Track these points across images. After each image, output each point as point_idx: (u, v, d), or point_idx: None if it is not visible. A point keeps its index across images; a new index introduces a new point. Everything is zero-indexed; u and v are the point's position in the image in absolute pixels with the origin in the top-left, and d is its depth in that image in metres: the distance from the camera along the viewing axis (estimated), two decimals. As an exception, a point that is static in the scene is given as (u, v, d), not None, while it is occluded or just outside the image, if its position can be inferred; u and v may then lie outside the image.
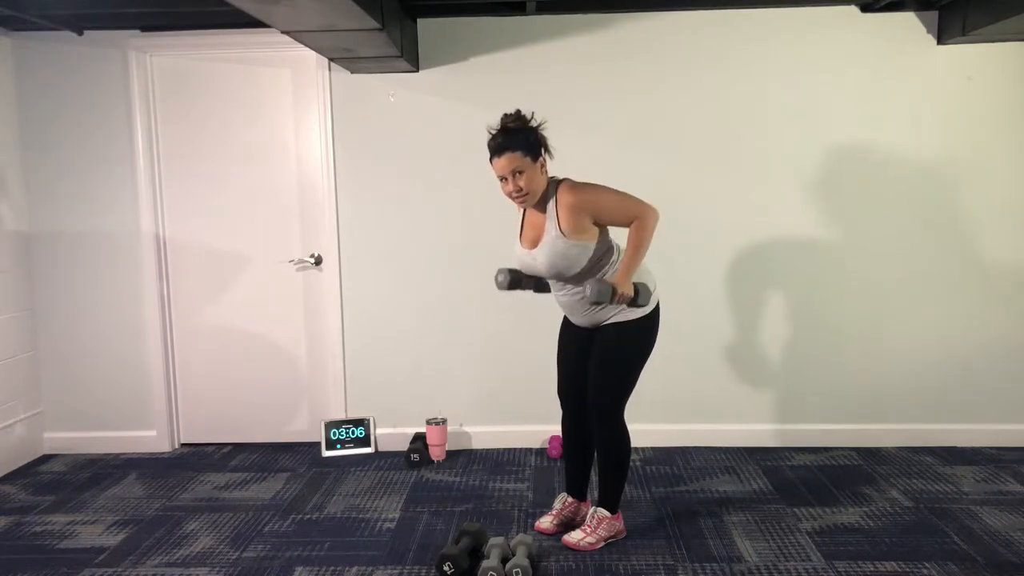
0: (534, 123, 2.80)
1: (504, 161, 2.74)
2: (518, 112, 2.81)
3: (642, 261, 2.80)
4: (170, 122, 4.05)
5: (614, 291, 2.70)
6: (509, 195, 2.81)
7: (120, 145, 4.01)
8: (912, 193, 3.89)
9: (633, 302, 2.76)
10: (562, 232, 2.77)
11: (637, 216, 2.77)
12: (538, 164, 2.77)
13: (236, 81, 4.01)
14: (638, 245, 2.76)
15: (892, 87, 3.83)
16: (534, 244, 2.86)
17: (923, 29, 3.80)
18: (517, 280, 2.97)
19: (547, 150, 2.82)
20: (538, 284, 3.04)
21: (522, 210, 2.94)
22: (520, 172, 2.74)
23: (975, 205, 3.88)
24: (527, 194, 2.78)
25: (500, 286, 2.95)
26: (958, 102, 3.83)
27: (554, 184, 2.84)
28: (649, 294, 2.78)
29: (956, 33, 3.64)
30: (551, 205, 2.81)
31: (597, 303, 2.77)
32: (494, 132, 2.79)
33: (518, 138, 2.74)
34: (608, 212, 2.79)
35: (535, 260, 2.86)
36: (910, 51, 3.81)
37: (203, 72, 4.02)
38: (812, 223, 3.93)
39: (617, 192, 2.82)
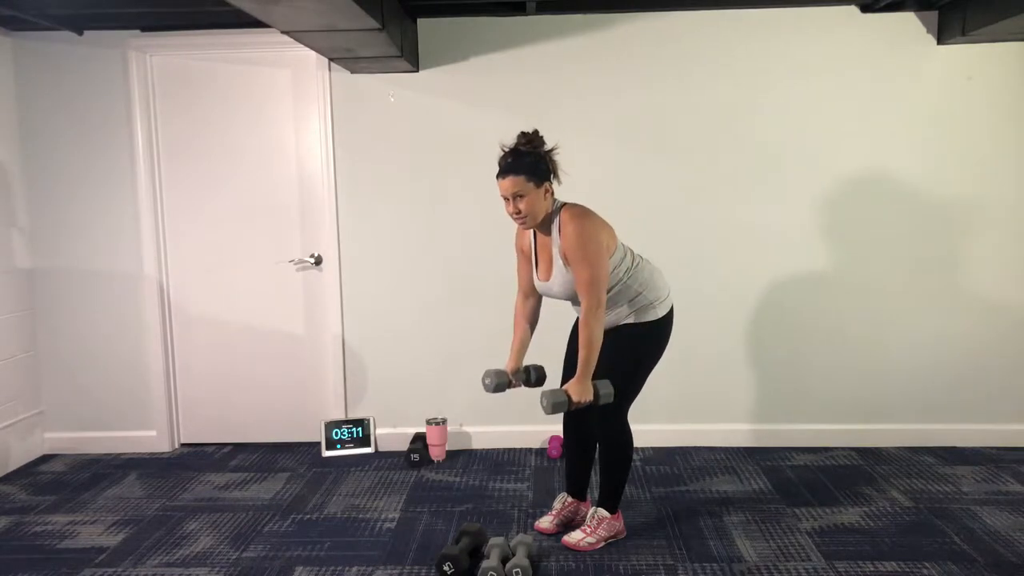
0: (547, 147, 2.79)
1: (508, 183, 2.74)
2: (534, 133, 2.79)
3: (596, 354, 2.72)
4: (170, 122, 4.05)
5: (569, 400, 2.67)
6: (510, 215, 2.83)
7: (120, 145, 4.01)
8: (912, 193, 3.89)
9: (595, 403, 2.72)
10: (566, 260, 2.79)
11: (589, 298, 2.71)
12: (542, 190, 2.76)
13: (236, 81, 4.01)
14: (589, 345, 2.71)
15: (892, 87, 3.83)
16: (548, 273, 2.87)
17: (923, 29, 3.80)
18: (504, 383, 2.95)
19: (555, 175, 2.81)
20: (528, 380, 3.02)
21: (531, 233, 2.93)
22: (521, 196, 2.74)
23: (975, 205, 3.88)
24: (526, 217, 2.78)
25: (487, 389, 2.94)
26: (958, 102, 3.83)
27: (558, 208, 2.84)
28: (611, 392, 2.71)
29: (956, 33, 3.64)
30: (555, 231, 2.81)
31: (553, 413, 2.71)
32: (506, 150, 2.79)
33: (525, 162, 2.74)
34: (579, 267, 2.73)
35: (551, 290, 2.89)
36: (910, 51, 3.81)
37: (203, 72, 4.02)
38: (811, 223, 3.93)
39: (601, 260, 2.73)
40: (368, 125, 3.95)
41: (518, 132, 2.81)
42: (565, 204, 2.85)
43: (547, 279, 2.89)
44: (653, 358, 2.95)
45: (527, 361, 3.06)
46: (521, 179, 2.73)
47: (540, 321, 3.10)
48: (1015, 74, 3.80)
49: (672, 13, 3.82)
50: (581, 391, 2.70)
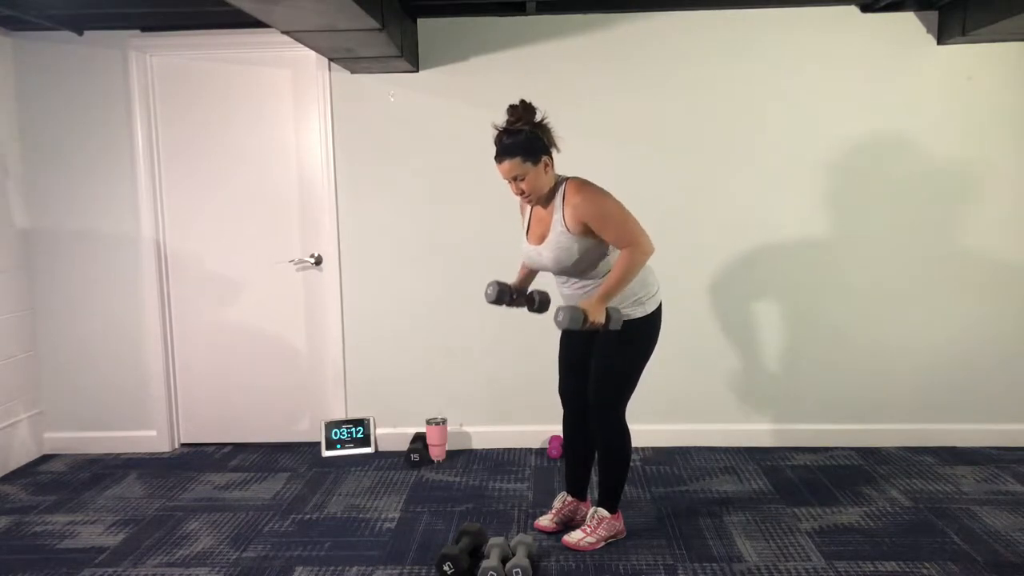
0: (538, 118, 2.79)
1: (505, 166, 2.77)
2: (522, 105, 2.78)
3: (623, 290, 2.75)
4: (170, 122, 4.05)
5: (585, 317, 2.67)
6: (515, 194, 2.85)
7: (120, 145, 4.01)
8: (912, 193, 3.89)
9: (605, 327, 2.72)
10: (567, 228, 2.78)
11: (632, 243, 2.73)
12: (540, 166, 2.77)
13: (236, 81, 4.01)
14: (623, 275, 2.72)
15: (892, 87, 3.83)
16: (540, 239, 2.87)
17: (923, 29, 3.80)
18: (506, 294, 2.95)
19: (552, 145, 2.81)
20: (531, 303, 3.01)
21: (529, 206, 2.94)
22: (521, 176, 2.76)
23: (975, 205, 3.88)
24: (530, 196, 2.81)
25: (488, 299, 2.95)
26: (958, 102, 3.83)
27: (562, 180, 2.85)
28: (621, 319, 2.72)
29: (956, 33, 3.64)
30: (558, 201, 2.82)
31: (568, 330, 2.70)
32: (499, 129, 2.79)
33: (517, 142, 2.74)
34: (604, 226, 2.75)
35: (541, 256, 2.87)
36: (910, 51, 3.81)
37: (203, 72, 4.02)
38: (812, 223, 3.93)
39: (622, 210, 2.77)
40: (368, 125, 3.95)
41: (508, 106, 2.80)
42: (568, 178, 2.86)
43: (537, 244, 2.88)
44: (646, 354, 2.95)
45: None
46: (517, 160, 2.74)
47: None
48: (1015, 74, 3.80)
49: (672, 13, 3.82)
50: (596, 312, 2.68)
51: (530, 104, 2.80)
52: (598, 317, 2.68)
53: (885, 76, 3.82)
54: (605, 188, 2.83)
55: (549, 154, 2.80)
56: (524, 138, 2.74)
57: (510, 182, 2.80)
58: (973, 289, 3.93)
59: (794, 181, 3.90)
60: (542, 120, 2.80)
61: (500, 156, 2.77)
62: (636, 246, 2.73)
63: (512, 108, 2.79)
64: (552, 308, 2.91)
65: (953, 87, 3.82)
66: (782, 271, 3.97)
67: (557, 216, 2.81)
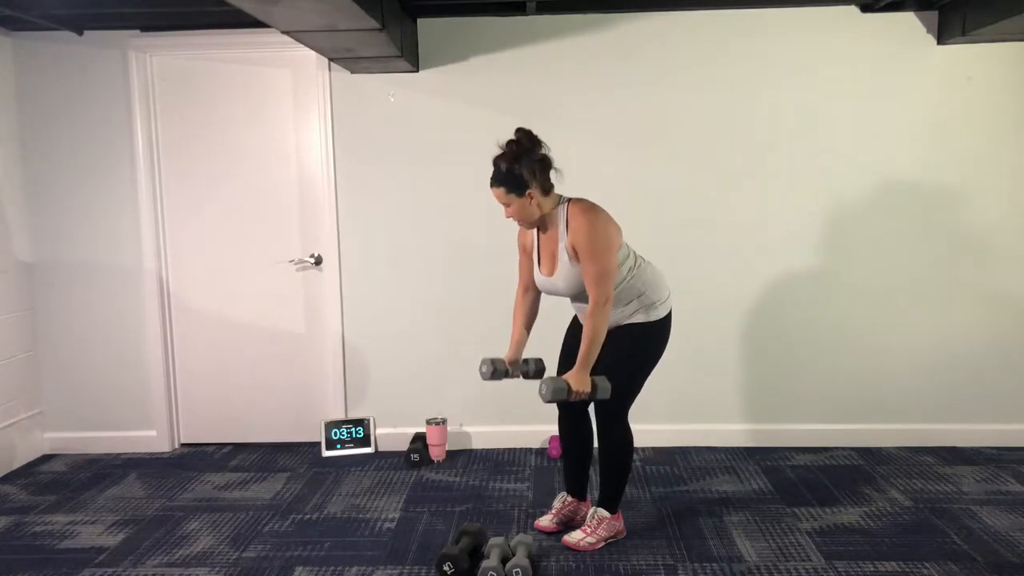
0: (539, 151, 2.76)
1: (494, 192, 2.81)
2: (523, 133, 2.78)
3: (599, 347, 2.74)
4: (170, 122, 4.05)
5: (569, 389, 2.69)
6: (506, 217, 2.88)
7: (120, 145, 4.01)
8: (912, 194, 3.89)
9: (592, 396, 2.73)
10: (572, 257, 2.79)
11: (597, 291, 2.72)
12: (525, 198, 2.76)
13: (236, 81, 4.01)
14: (592, 338, 2.73)
15: (892, 87, 3.83)
16: (552, 269, 2.88)
17: (923, 29, 3.80)
18: (501, 371, 2.95)
19: (543, 174, 2.78)
20: (527, 374, 3.00)
21: (535, 230, 2.93)
22: (508, 204, 2.79)
23: (975, 206, 3.88)
24: (519, 222, 2.85)
25: (483, 377, 2.95)
26: (958, 102, 3.83)
27: (564, 202, 2.84)
28: (608, 388, 2.73)
29: (956, 33, 3.64)
30: (562, 228, 2.82)
31: (552, 401, 2.72)
32: (501, 150, 2.79)
33: (505, 175, 2.75)
34: (586, 263, 2.74)
35: (556, 287, 2.89)
36: (910, 51, 3.81)
37: (203, 72, 4.02)
38: (811, 223, 3.93)
39: (610, 256, 2.75)
40: (368, 125, 3.95)
41: (515, 129, 2.81)
42: (572, 199, 2.85)
43: (550, 274, 2.89)
44: (654, 358, 2.96)
45: (526, 354, 3.06)
46: (502, 191, 2.78)
47: (540, 314, 3.09)
48: (1015, 74, 3.80)
49: (672, 13, 3.82)
50: (580, 382, 2.72)
51: (532, 134, 2.79)
52: (582, 387, 2.71)
53: (885, 76, 3.82)
54: (607, 212, 2.82)
55: (537, 186, 2.77)
56: (508, 172, 2.75)
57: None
58: (973, 289, 3.93)
59: (793, 181, 3.90)
60: (541, 153, 2.78)
61: (491, 181, 2.80)
62: (606, 300, 2.72)
63: (519, 129, 2.80)
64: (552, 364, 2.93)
65: (953, 87, 3.82)
66: (781, 270, 3.97)
67: (562, 244, 2.82)
